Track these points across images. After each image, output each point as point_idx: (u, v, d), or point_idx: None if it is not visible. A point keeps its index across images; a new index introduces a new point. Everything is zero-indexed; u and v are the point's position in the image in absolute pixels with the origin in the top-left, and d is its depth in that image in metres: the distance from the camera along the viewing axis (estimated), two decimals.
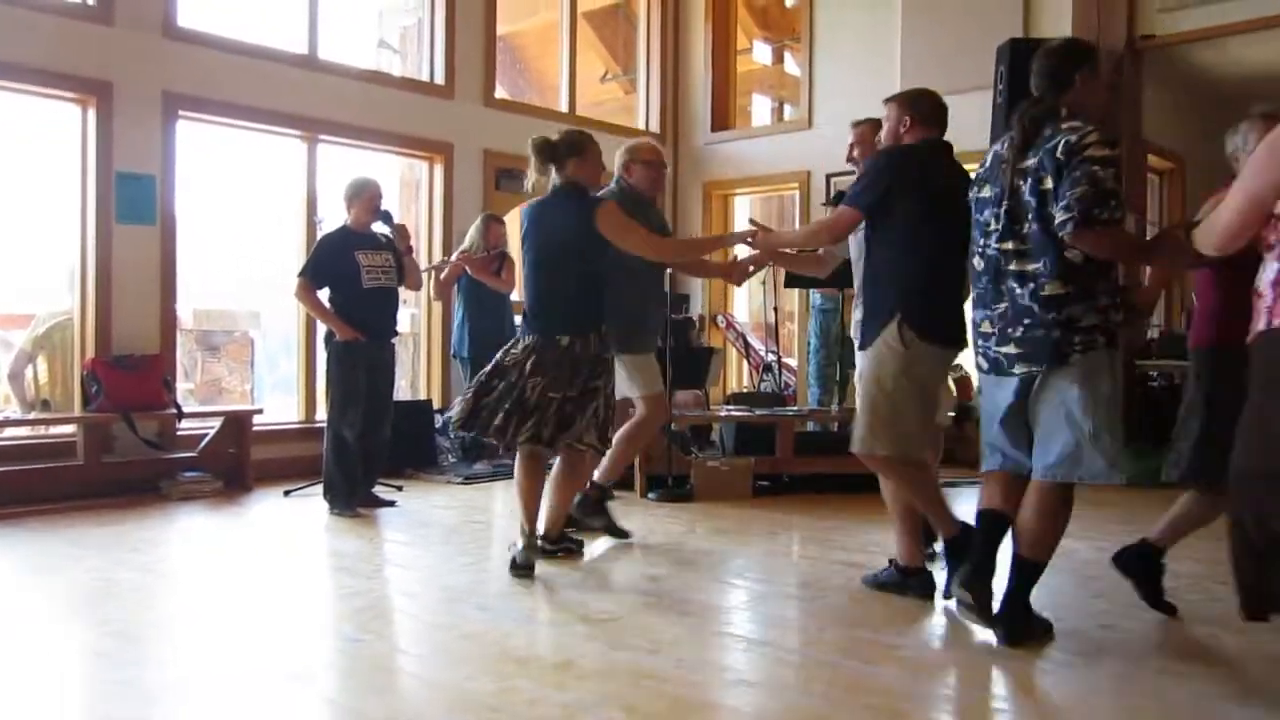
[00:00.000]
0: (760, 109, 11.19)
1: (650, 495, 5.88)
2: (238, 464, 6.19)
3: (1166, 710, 2.57)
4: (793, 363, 8.80)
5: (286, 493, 5.91)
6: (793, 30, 9.97)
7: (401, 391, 7.12)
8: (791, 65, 10.57)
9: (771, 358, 8.17)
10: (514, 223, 8.55)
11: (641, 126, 9.29)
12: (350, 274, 5.35)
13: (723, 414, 6.46)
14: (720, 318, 9.19)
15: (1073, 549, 4.49)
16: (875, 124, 3.97)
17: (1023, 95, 3.17)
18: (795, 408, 7.23)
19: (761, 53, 11.03)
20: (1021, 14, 7.34)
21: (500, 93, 8.35)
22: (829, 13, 8.48)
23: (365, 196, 5.47)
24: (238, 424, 6.25)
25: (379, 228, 5.55)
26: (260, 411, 6.57)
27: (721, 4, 9.32)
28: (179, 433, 6.17)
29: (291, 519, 5.31)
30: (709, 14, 9.26)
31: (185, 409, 6.13)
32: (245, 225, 8.70)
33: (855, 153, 4.12)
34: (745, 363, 9.11)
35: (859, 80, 8.26)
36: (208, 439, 6.19)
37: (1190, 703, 2.62)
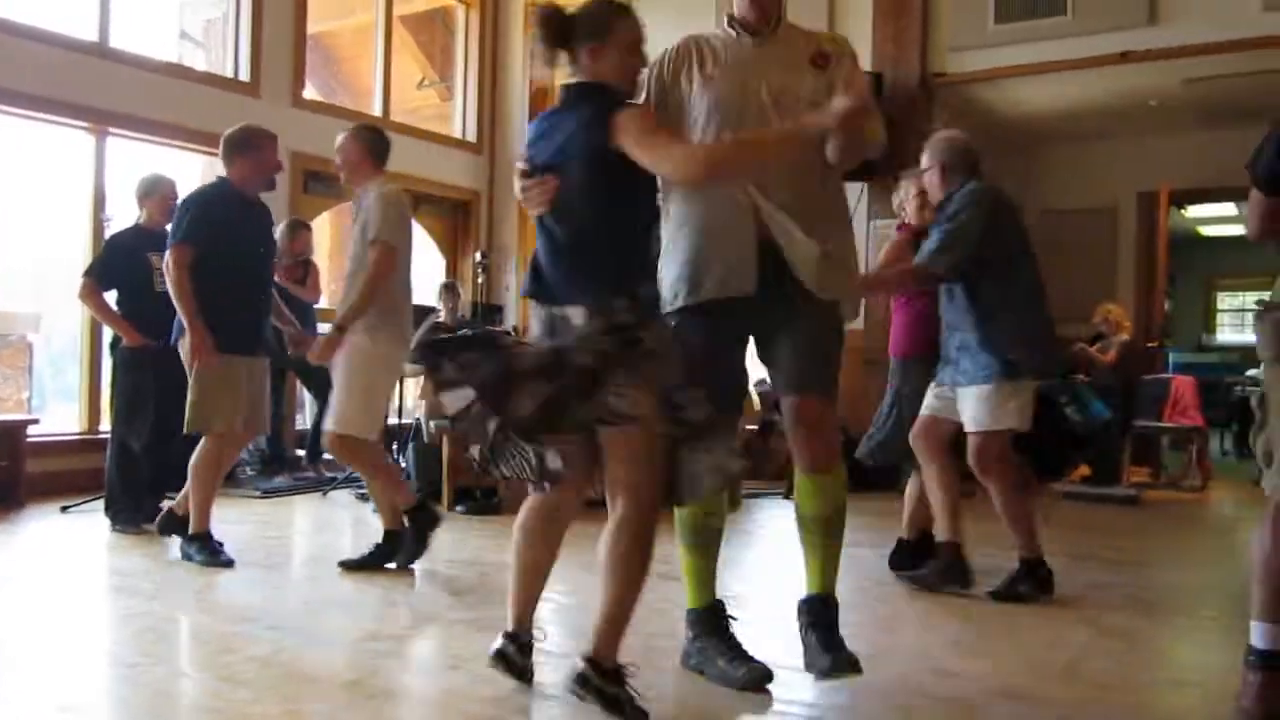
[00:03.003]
0: None
1: (458, 508, 5.81)
2: (10, 479, 5.75)
3: None
4: None
5: (64, 509, 5.53)
6: None
7: None
8: None
9: None
10: (320, 228, 8.33)
11: (458, 135, 9.20)
12: (141, 276, 5.09)
13: None
14: None
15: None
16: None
17: None
18: None
19: None
20: None
21: (310, 93, 8.11)
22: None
23: (158, 195, 5.25)
24: (10, 436, 5.81)
25: None
26: (36, 421, 6.15)
27: None
28: None
29: (69, 537, 4.97)
30: (528, 25, 9.27)
31: None
32: (26, 221, 8.14)
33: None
34: None
35: None
36: None
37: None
